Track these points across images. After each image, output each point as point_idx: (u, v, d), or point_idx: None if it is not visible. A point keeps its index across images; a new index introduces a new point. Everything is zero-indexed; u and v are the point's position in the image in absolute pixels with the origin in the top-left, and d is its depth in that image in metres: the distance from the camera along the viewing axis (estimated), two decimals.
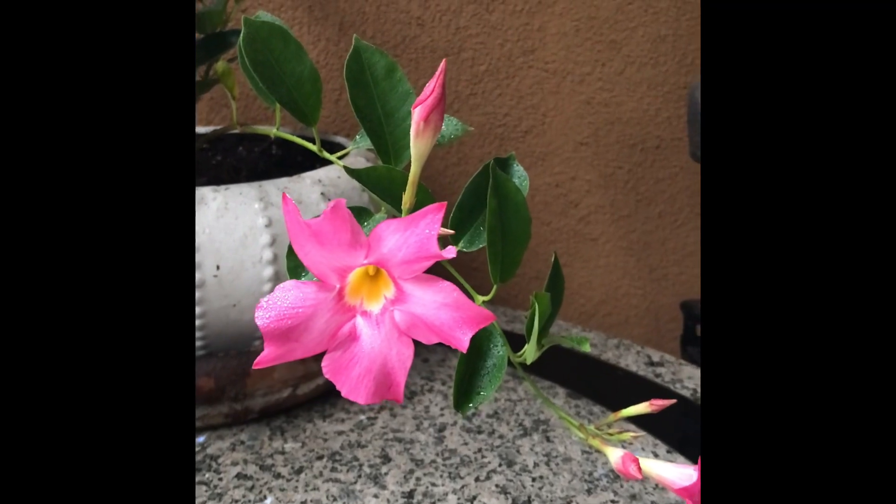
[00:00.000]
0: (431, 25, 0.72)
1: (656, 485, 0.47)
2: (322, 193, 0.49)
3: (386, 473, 0.48)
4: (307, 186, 0.49)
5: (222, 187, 0.47)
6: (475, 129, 0.76)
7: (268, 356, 0.27)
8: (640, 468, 0.32)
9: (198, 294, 0.46)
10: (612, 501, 0.45)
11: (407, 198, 0.32)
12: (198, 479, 0.47)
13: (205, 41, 0.53)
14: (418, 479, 0.47)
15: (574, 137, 0.77)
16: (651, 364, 0.62)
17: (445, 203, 0.26)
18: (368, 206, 0.49)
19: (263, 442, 0.51)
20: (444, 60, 0.29)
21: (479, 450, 0.50)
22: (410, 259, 0.25)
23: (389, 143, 0.37)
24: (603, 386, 0.59)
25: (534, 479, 0.47)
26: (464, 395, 0.34)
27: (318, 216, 0.25)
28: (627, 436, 0.34)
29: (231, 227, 0.46)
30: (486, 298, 0.34)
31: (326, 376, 0.27)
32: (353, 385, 0.27)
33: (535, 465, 0.49)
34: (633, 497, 0.46)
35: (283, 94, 0.38)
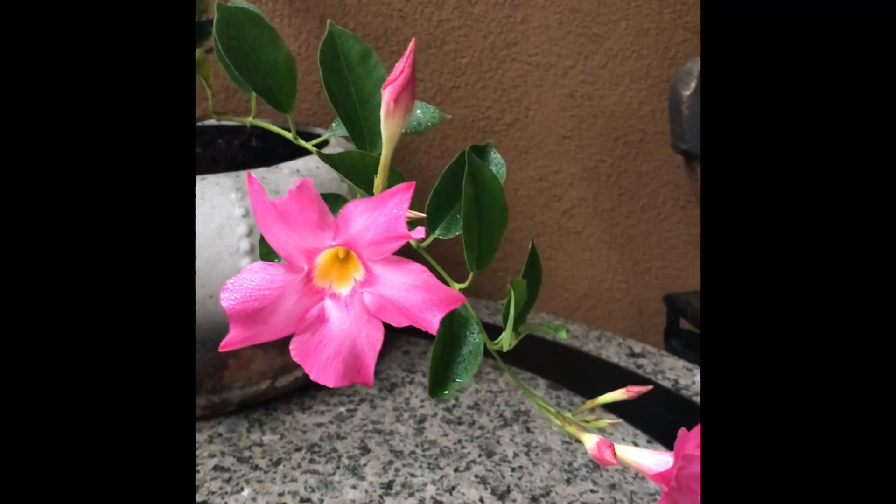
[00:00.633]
0: (413, 18, 0.72)
1: (636, 474, 0.46)
2: None
3: (365, 465, 0.47)
4: (285, 176, 0.49)
5: (199, 177, 0.47)
6: (458, 122, 0.76)
7: (234, 338, 0.26)
8: (615, 454, 0.31)
9: None
10: (592, 491, 0.45)
11: (378, 181, 0.31)
12: None
13: None
14: (397, 469, 0.47)
15: (557, 131, 0.77)
16: (632, 355, 0.62)
17: (414, 183, 0.25)
18: (348, 195, 0.49)
19: (241, 434, 0.50)
20: (413, 40, 0.29)
21: (459, 441, 0.50)
22: (379, 239, 0.25)
23: (364, 130, 0.37)
24: (584, 377, 0.59)
25: (513, 469, 0.47)
26: (439, 383, 0.33)
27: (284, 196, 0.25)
28: (604, 423, 0.34)
29: (207, 217, 0.46)
30: (463, 286, 0.34)
31: (295, 359, 0.26)
32: (322, 368, 0.26)
33: (515, 455, 0.48)
34: (613, 487, 0.45)
35: (257, 81, 0.38)
